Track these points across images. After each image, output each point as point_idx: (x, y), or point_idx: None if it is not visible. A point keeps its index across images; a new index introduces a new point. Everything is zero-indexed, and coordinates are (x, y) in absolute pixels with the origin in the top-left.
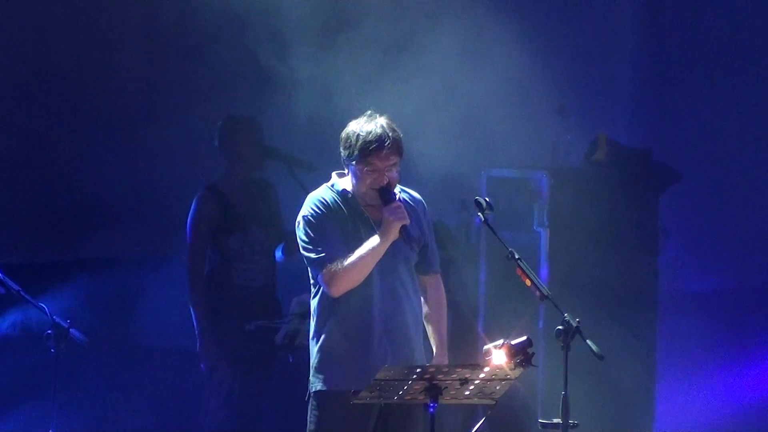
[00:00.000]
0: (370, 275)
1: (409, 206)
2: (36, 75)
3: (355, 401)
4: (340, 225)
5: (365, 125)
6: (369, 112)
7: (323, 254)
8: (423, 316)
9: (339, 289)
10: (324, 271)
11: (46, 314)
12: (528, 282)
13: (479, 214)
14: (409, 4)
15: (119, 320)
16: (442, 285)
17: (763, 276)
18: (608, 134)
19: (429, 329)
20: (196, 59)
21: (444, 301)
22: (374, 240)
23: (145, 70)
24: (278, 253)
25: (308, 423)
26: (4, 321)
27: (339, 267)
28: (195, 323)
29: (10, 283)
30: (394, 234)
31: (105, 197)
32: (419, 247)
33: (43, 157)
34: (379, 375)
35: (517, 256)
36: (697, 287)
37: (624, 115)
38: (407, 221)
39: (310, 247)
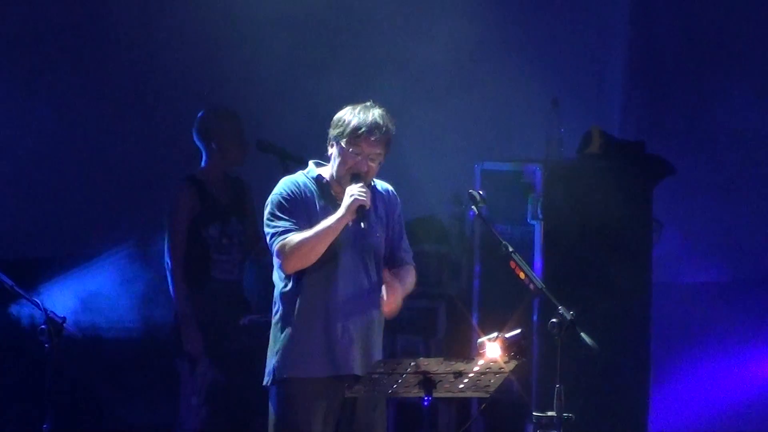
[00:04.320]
0: (337, 262)
1: (380, 195)
2: (30, 72)
3: (349, 395)
4: (308, 207)
5: (362, 111)
6: (369, 102)
7: (281, 228)
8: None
9: (291, 264)
10: (280, 243)
11: (41, 309)
12: (522, 275)
13: (473, 207)
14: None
15: (113, 315)
16: (415, 273)
17: (757, 268)
18: (601, 127)
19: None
20: (186, 56)
21: (413, 280)
22: (331, 218)
23: (141, 63)
24: None
25: (272, 411)
26: None
27: (292, 240)
28: (178, 311)
29: (3, 277)
30: (351, 212)
31: (100, 192)
32: (386, 239)
33: (37, 153)
34: (373, 368)
35: (511, 249)
36: (691, 279)
37: (617, 107)
38: (367, 204)
39: (271, 222)
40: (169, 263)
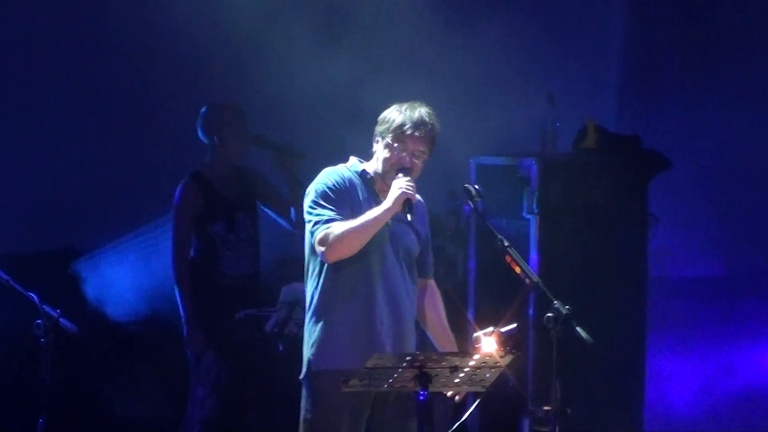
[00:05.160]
0: (378, 257)
1: (419, 203)
2: (25, 68)
3: (345, 389)
4: (352, 199)
5: (408, 109)
6: (417, 102)
7: (325, 216)
8: (422, 317)
9: (333, 253)
10: (324, 232)
11: (36, 304)
12: (518, 269)
13: (468, 201)
14: None
15: (110, 309)
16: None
17: (751, 262)
18: (597, 121)
19: (434, 331)
20: (183, 51)
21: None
22: (377, 209)
23: (134, 60)
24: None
25: (303, 405)
26: None
27: (337, 230)
28: (181, 310)
29: None
30: (397, 205)
31: (95, 187)
32: (421, 245)
33: (32, 148)
34: (369, 363)
35: (506, 244)
36: (686, 273)
37: (612, 102)
38: (414, 198)
39: (314, 210)
40: (173, 262)
